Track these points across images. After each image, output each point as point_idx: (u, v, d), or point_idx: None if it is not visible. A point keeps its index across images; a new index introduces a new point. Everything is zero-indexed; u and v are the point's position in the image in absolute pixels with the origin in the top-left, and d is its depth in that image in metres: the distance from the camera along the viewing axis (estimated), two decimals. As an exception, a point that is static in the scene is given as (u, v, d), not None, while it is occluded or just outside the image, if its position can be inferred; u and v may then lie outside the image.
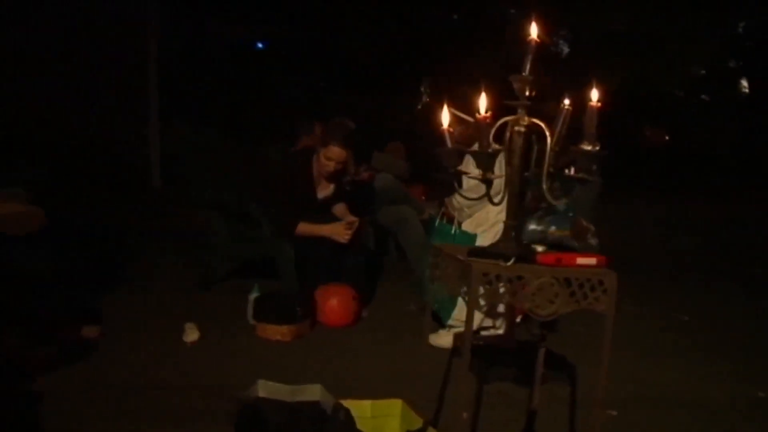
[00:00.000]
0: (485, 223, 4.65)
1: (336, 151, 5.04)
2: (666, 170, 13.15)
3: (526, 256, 2.34)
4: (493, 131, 2.30)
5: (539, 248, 2.38)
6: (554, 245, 3.53)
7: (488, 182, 2.39)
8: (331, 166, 5.09)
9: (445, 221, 4.81)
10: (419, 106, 12.16)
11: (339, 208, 5.36)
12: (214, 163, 5.72)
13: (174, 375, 3.96)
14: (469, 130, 4.65)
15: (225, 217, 5.67)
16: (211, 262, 5.75)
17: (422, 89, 12.56)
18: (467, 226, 4.66)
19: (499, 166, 2.49)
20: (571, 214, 5.17)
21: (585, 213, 5.57)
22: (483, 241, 4.46)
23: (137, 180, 10.02)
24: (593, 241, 5.59)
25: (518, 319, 2.32)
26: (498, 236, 4.43)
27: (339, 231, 5.01)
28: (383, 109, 12.31)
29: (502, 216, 4.53)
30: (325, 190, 5.30)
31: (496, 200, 2.52)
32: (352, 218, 5.17)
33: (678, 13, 11.42)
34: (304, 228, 5.08)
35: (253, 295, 4.92)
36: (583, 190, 5.41)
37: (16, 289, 3.94)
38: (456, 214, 4.69)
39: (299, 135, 6.39)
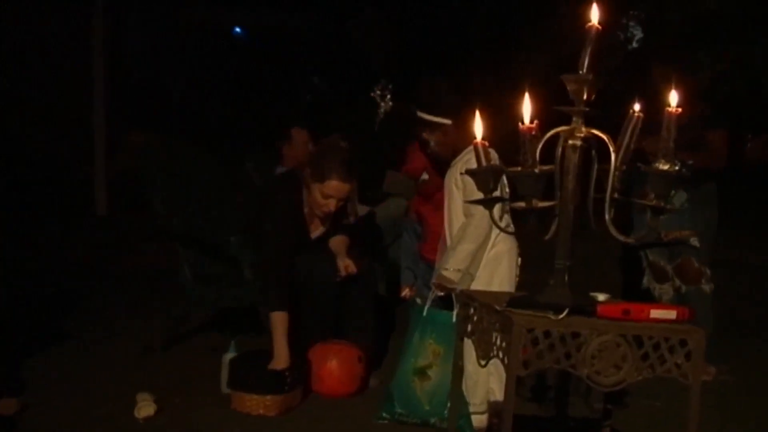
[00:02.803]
0: (486, 265, 4.56)
1: (335, 186, 4.90)
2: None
3: (584, 307, 2.34)
4: (540, 145, 2.33)
5: (601, 297, 2.38)
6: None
7: (491, 203, 2.43)
8: (330, 204, 4.96)
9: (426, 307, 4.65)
10: (379, 118, 12.13)
11: (336, 243, 5.25)
12: (182, 184, 5.74)
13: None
14: (447, 137, 4.67)
15: (194, 253, 5.70)
16: (175, 312, 5.78)
17: (378, 95, 12.47)
18: (481, 283, 4.47)
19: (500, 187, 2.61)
20: (685, 207, 5.17)
21: (705, 251, 5.53)
22: (477, 284, 4.43)
23: (78, 205, 10.09)
24: (707, 287, 5.54)
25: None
26: (495, 275, 4.49)
27: (283, 363, 4.72)
28: (401, 115, 12.37)
29: (496, 251, 4.56)
30: (318, 229, 5.23)
31: (502, 224, 2.60)
32: (348, 263, 5.07)
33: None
34: (274, 320, 4.80)
35: (229, 356, 4.93)
36: (705, 220, 5.39)
37: None
38: (461, 286, 4.43)
39: (279, 147, 6.46)
